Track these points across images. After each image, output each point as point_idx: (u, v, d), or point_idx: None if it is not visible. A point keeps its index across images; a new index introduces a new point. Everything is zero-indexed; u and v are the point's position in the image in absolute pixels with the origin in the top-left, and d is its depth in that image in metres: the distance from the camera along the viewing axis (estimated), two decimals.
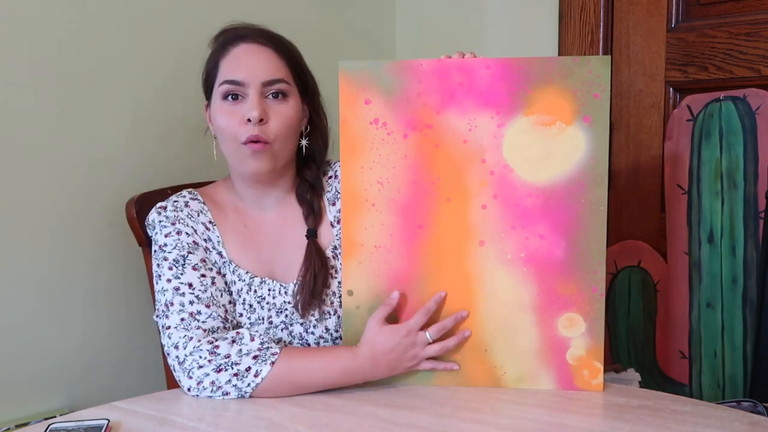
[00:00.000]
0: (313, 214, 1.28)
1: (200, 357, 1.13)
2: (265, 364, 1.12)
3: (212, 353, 1.13)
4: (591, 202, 1.12)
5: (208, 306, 1.18)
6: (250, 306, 1.23)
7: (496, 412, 1.07)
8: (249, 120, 1.18)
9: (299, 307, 1.23)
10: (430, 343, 1.16)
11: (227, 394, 1.12)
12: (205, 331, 1.16)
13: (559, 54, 1.87)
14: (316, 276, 1.23)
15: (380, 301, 1.17)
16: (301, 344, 1.25)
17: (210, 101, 1.26)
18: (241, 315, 1.23)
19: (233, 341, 1.15)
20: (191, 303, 1.17)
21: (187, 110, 1.61)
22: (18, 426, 1.34)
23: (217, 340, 1.14)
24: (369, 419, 1.03)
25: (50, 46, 1.38)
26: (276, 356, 1.13)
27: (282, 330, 1.24)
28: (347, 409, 1.07)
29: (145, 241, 1.42)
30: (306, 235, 1.27)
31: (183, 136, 1.60)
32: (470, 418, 1.04)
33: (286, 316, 1.24)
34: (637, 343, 1.67)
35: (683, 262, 1.56)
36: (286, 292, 1.25)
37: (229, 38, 1.25)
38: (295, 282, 1.25)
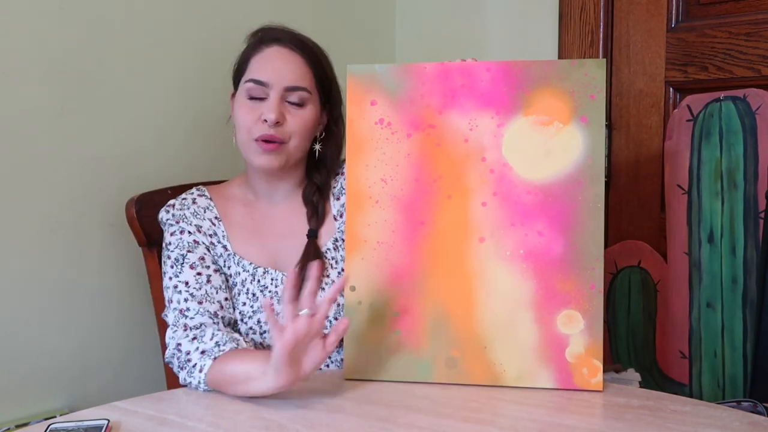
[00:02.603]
0: (317, 216, 1.34)
1: (171, 354, 1.19)
2: (209, 358, 1.13)
3: (177, 350, 1.18)
4: (588, 199, 1.14)
5: (200, 302, 1.22)
6: (254, 295, 1.28)
7: (496, 412, 1.07)
8: (266, 120, 1.24)
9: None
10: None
11: (197, 389, 1.14)
12: (187, 327, 1.20)
13: (560, 54, 1.87)
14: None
15: (382, 297, 1.18)
16: None
17: (236, 92, 1.32)
18: (244, 304, 1.27)
19: (194, 339, 1.18)
20: (185, 300, 1.23)
21: (188, 110, 1.61)
22: (18, 426, 1.34)
23: (186, 337, 1.18)
24: (369, 419, 1.03)
25: (50, 46, 1.38)
26: (221, 353, 1.13)
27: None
28: (347, 409, 1.07)
29: (145, 241, 1.43)
30: (307, 235, 1.32)
31: (183, 135, 1.60)
32: (470, 418, 1.04)
33: None
34: (637, 343, 1.67)
35: (683, 262, 1.56)
36: None
37: (264, 38, 1.30)
38: None
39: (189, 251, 1.26)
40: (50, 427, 0.99)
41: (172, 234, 1.29)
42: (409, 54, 2.11)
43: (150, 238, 1.42)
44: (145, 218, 1.41)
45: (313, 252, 1.30)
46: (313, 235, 1.32)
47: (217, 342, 1.16)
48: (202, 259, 1.27)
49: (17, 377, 1.37)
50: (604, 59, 1.17)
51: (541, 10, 1.89)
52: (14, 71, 1.34)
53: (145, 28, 1.53)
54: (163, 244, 1.30)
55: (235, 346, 1.16)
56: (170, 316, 1.23)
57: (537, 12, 1.90)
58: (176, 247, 1.27)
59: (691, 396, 1.55)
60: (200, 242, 1.28)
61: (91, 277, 1.47)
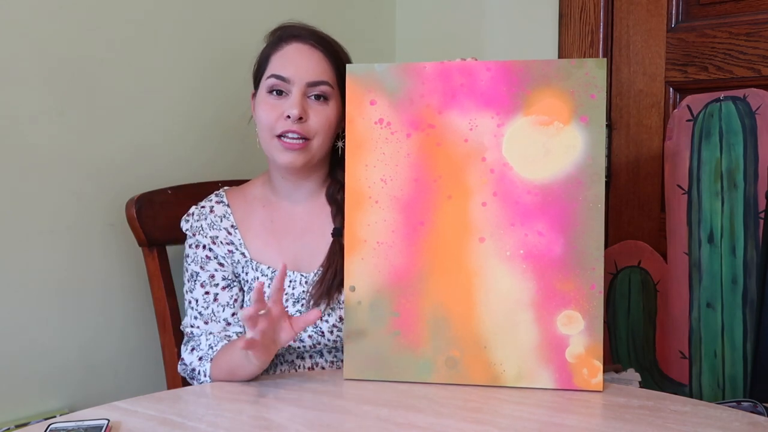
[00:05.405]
0: (341, 214, 1.32)
1: (182, 369, 1.29)
2: (207, 362, 1.24)
3: (183, 364, 1.28)
4: (588, 199, 1.14)
5: (206, 323, 1.30)
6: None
7: (496, 412, 1.07)
8: (288, 116, 1.25)
9: (312, 298, 1.27)
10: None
11: None
12: (191, 343, 1.30)
13: (560, 54, 1.87)
14: (336, 274, 1.27)
15: (382, 297, 1.18)
16: (315, 332, 1.28)
17: (257, 91, 1.32)
18: None
19: (193, 349, 1.28)
20: (195, 318, 1.31)
21: (188, 110, 1.61)
22: (18, 426, 1.34)
23: (187, 351, 1.29)
24: (369, 419, 1.03)
25: (51, 46, 1.38)
26: (215, 353, 1.24)
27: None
28: (347, 409, 1.07)
29: (145, 241, 1.43)
30: (332, 234, 1.31)
31: (183, 135, 1.60)
32: (470, 418, 1.04)
33: (302, 305, 1.28)
34: (637, 343, 1.66)
35: (683, 262, 1.56)
36: (306, 282, 1.30)
37: (283, 35, 1.31)
38: (315, 272, 1.30)
39: (201, 267, 1.31)
40: (50, 427, 0.99)
41: (189, 246, 1.33)
42: (409, 54, 2.11)
43: (150, 238, 1.42)
44: (145, 218, 1.41)
45: (338, 251, 1.29)
46: (338, 234, 1.31)
47: (210, 345, 1.26)
48: (212, 276, 1.31)
49: (17, 377, 1.37)
50: (605, 59, 1.18)
51: (541, 10, 1.89)
52: (15, 71, 1.34)
53: (145, 27, 1.53)
54: (184, 253, 1.35)
55: (226, 342, 1.26)
56: (185, 332, 1.32)
57: (537, 12, 1.90)
58: (192, 261, 1.32)
59: (691, 396, 1.55)
60: (212, 257, 1.31)
61: (91, 277, 1.47)
